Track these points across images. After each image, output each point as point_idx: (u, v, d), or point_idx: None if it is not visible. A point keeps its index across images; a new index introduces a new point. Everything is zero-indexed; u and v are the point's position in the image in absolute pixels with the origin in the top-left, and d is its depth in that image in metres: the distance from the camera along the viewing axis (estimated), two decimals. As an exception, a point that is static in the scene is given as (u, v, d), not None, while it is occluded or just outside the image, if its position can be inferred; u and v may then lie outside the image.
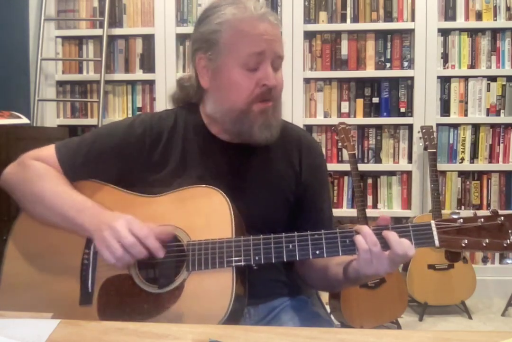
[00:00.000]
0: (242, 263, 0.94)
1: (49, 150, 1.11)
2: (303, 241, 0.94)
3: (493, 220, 0.89)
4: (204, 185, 1.01)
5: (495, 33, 2.74)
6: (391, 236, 0.89)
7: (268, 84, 1.02)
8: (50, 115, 2.91)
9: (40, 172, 1.07)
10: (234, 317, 0.93)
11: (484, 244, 0.89)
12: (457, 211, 0.93)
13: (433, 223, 0.91)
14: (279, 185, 1.12)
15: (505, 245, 0.88)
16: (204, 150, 1.11)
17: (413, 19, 2.72)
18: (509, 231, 0.89)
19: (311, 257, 0.94)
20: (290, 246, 0.93)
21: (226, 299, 0.90)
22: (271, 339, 0.76)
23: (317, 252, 0.93)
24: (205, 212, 0.99)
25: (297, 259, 0.94)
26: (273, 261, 0.94)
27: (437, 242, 0.90)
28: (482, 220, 0.90)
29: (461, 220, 0.90)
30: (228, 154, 1.11)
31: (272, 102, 1.06)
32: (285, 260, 0.94)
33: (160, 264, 0.97)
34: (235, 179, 1.09)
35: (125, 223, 0.94)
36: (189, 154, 1.10)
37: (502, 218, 0.89)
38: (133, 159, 1.09)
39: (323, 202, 1.18)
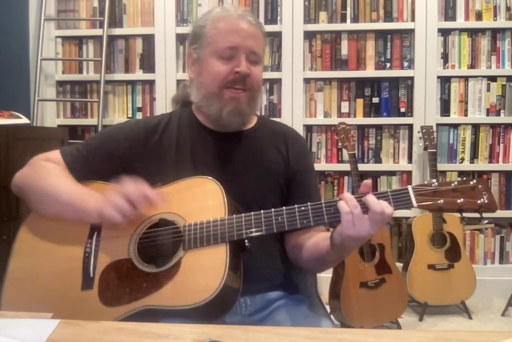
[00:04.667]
0: (235, 238, 0.99)
1: (55, 153, 1.21)
2: (291, 213, 1.00)
3: (466, 183, 0.96)
4: (199, 176, 1.09)
5: (495, 33, 2.74)
6: (370, 198, 0.94)
7: (240, 71, 1.13)
8: (50, 115, 2.91)
9: (48, 169, 1.16)
10: (228, 293, 0.97)
11: (459, 203, 0.94)
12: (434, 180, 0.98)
13: (410, 187, 0.96)
14: (270, 168, 1.21)
15: (478, 202, 0.95)
16: (196, 140, 1.21)
17: (413, 19, 2.72)
18: (482, 193, 0.95)
19: (298, 226, 0.99)
20: (279, 219, 1.00)
21: (220, 270, 0.94)
22: (271, 339, 0.76)
23: (305, 221, 0.99)
24: (200, 198, 1.07)
25: (286, 229, 1.00)
26: (264, 233, 1.00)
27: (414, 203, 0.95)
28: (455, 183, 0.96)
29: (436, 183, 0.96)
30: (219, 143, 1.21)
31: (247, 92, 1.16)
32: (275, 230, 1.00)
33: (158, 246, 1.03)
34: (227, 165, 1.19)
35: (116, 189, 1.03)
36: (183, 145, 1.20)
37: (475, 181, 0.96)
38: (131, 152, 1.18)
39: (311, 186, 1.26)
